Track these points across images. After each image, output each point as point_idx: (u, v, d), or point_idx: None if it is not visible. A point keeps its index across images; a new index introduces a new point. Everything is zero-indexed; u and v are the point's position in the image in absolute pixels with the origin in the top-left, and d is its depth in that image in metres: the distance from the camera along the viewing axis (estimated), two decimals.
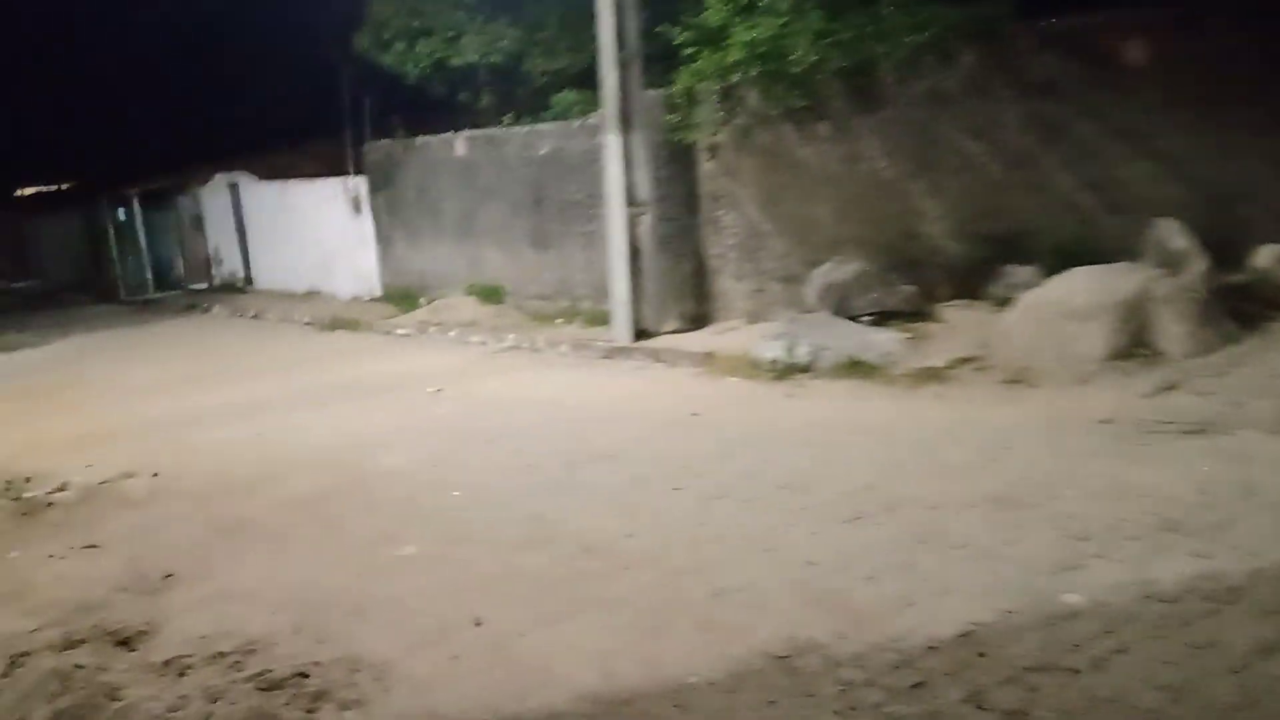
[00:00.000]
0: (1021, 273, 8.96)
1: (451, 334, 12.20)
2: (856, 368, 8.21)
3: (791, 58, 9.22)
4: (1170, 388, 6.94)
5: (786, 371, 8.31)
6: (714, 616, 4.19)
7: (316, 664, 4.05)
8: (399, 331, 12.98)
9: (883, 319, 9.10)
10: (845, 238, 9.79)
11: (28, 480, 7.16)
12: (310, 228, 17.20)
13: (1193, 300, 7.59)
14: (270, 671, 4.00)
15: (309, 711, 3.68)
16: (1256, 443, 5.76)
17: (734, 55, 9.37)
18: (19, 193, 39.28)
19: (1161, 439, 5.99)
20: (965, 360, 8.04)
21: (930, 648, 3.73)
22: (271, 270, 18.75)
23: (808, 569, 4.56)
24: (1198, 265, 7.79)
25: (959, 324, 8.94)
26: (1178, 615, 3.82)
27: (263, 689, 3.86)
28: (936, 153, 9.62)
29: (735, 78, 9.64)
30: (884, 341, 8.53)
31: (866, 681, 3.56)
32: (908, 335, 8.71)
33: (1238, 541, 4.44)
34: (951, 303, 9.38)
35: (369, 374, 10.37)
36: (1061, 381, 7.42)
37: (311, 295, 17.20)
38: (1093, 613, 3.90)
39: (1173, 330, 7.54)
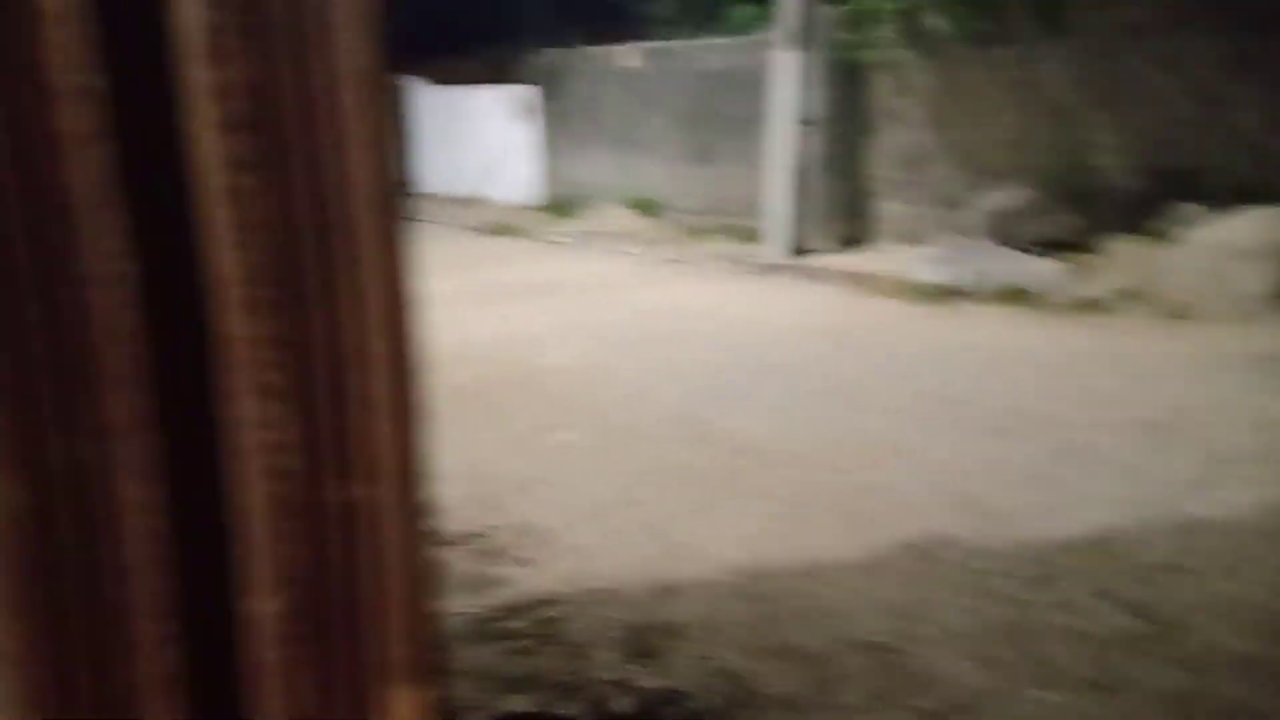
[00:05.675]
0: (1192, 210, 8.68)
1: (608, 244, 12.56)
2: (1016, 295, 8.19)
3: None
4: None
5: (944, 295, 8.35)
6: (856, 510, 4.44)
7: (492, 527, 4.48)
8: (558, 239, 13.40)
9: (1046, 249, 8.99)
10: (1013, 166, 9.61)
11: None
12: (476, 134, 17.69)
13: None
14: (448, 532, 4.44)
15: (486, 566, 4.11)
16: None
17: None
18: None
19: None
20: (1126, 293, 7.95)
21: (1063, 548, 3.92)
22: (437, 175, 19.38)
23: (949, 474, 4.77)
24: None
25: (1123, 258, 8.75)
26: None
27: (442, 543, 4.29)
28: (1120, 85, 9.26)
29: None
30: (1045, 271, 8.46)
31: (1001, 572, 3.78)
32: (1070, 266, 8.61)
33: None
34: (1117, 236, 9.18)
35: (530, 278, 10.80)
36: (1222, 319, 7.31)
37: (474, 200, 17.75)
38: (1227, 526, 4.03)
39: None
